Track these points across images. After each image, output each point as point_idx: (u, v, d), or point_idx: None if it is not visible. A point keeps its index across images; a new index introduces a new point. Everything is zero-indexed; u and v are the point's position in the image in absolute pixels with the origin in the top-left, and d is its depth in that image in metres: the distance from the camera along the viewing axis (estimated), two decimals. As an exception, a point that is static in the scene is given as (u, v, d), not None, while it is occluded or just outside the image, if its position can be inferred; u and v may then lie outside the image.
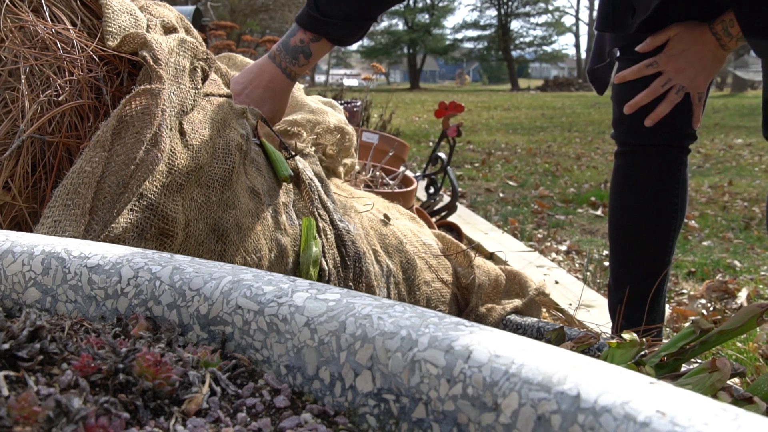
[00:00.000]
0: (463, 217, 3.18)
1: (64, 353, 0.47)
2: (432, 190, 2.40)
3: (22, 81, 0.90)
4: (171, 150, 0.88)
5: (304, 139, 1.31)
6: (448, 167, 2.37)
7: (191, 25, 1.15)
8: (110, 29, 0.98)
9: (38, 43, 0.94)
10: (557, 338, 1.07)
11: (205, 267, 0.57)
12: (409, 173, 2.15)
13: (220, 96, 1.07)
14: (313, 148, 1.31)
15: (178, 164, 0.88)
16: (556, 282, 2.20)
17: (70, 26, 0.99)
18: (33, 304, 0.60)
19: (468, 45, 36.82)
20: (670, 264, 1.43)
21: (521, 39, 36.02)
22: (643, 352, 0.86)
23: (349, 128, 1.42)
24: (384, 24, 33.54)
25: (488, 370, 0.42)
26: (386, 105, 6.67)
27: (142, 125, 0.85)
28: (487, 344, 0.44)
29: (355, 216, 1.27)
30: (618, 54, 1.37)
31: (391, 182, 2.05)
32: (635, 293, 1.38)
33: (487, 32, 35.80)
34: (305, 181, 1.18)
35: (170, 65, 0.94)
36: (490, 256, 2.45)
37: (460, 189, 3.67)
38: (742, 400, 0.71)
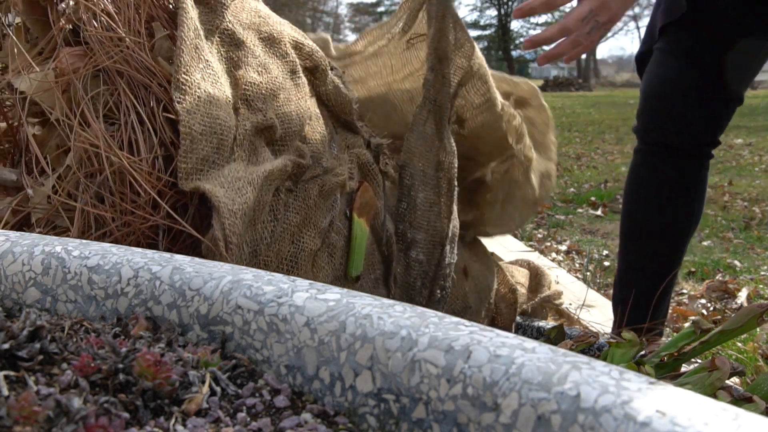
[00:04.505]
0: (463, 217, 3.18)
1: (64, 353, 0.47)
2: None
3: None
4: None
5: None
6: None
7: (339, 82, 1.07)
8: (184, 166, 0.82)
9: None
10: (556, 336, 1.07)
11: (204, 267, 0.57)
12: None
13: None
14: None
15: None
16: (557, 282, 2.19)
17: (144, 154, 0.84)
18: (33, 304, 0.60)
19: (468, 45, 36.73)
20: (680, 266, 1.39)
21: (521, 39, 36.01)
22: (643, 352, 0.86)
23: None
24: (384, 24, 33.46)
25: (488, 370, 0.42)
26: (386, 105, 6.65)
27: None
28: (487, 344, 0.44)
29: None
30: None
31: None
32: (641, 294, 1.34)
33: (487, 32, 35.81)
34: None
35: (244, 243, 0.84)
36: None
37: (460, 189, 3.66)
38: (741, 400, 0.71)
